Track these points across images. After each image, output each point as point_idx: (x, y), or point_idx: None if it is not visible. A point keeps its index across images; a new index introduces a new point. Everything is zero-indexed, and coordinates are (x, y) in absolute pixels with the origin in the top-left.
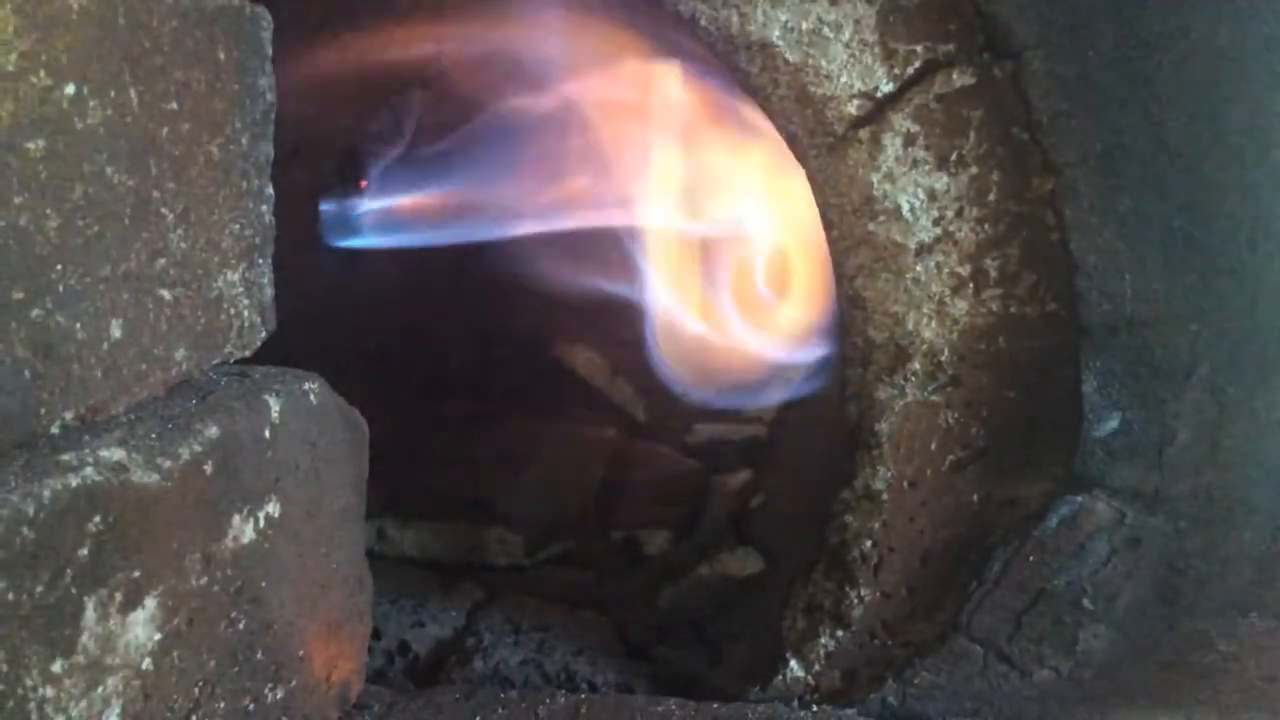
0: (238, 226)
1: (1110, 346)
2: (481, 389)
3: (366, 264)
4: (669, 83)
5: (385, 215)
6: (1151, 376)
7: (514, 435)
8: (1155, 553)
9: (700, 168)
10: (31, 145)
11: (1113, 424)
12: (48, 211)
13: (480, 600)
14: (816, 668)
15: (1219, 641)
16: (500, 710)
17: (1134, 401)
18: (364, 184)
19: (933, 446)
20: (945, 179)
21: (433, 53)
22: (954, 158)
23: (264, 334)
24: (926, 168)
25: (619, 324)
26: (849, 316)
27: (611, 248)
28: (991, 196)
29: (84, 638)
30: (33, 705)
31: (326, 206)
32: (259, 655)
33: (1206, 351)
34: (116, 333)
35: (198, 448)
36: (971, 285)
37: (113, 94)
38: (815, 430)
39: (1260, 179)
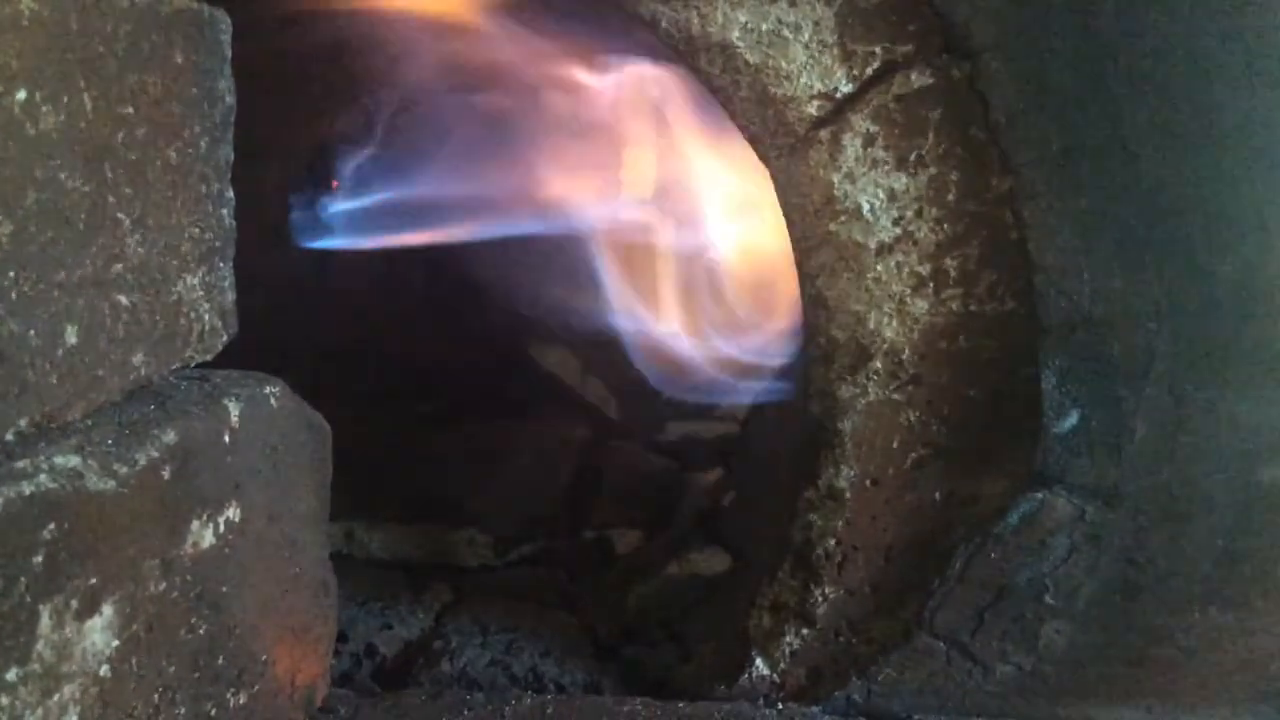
0: (197, 230)
1: (1069, 344)
2: (452, 388)
3: (336, 264)
4: (640, 82)
5: (356, 215)
6: (1110, 374)
7: (484, 435)
8: (1115, 548)
9: (673, 167)
10: None
11: (1072, 421)
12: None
13: (449, 602)
14: (782, 666)
15: (1179, 636)
16: (466, 712)
17: (1093, 399)
18: (335, 184)
19: (895, 445)
20: (905, 179)
21: (402, 53)
22: (913, 158)
23: (225, 338)
24: (886, 168)
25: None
26: (812, 316)
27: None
28: (950, 196)
29: (39, 645)
30: None
31: (295, 206)
32: (220, 660)
33: (1164, 349)
34: (72, 338)
35: (155, 453)
36: (932, 284)
37: (66, 99)
38: (784, 429)
39: (1216, 178)
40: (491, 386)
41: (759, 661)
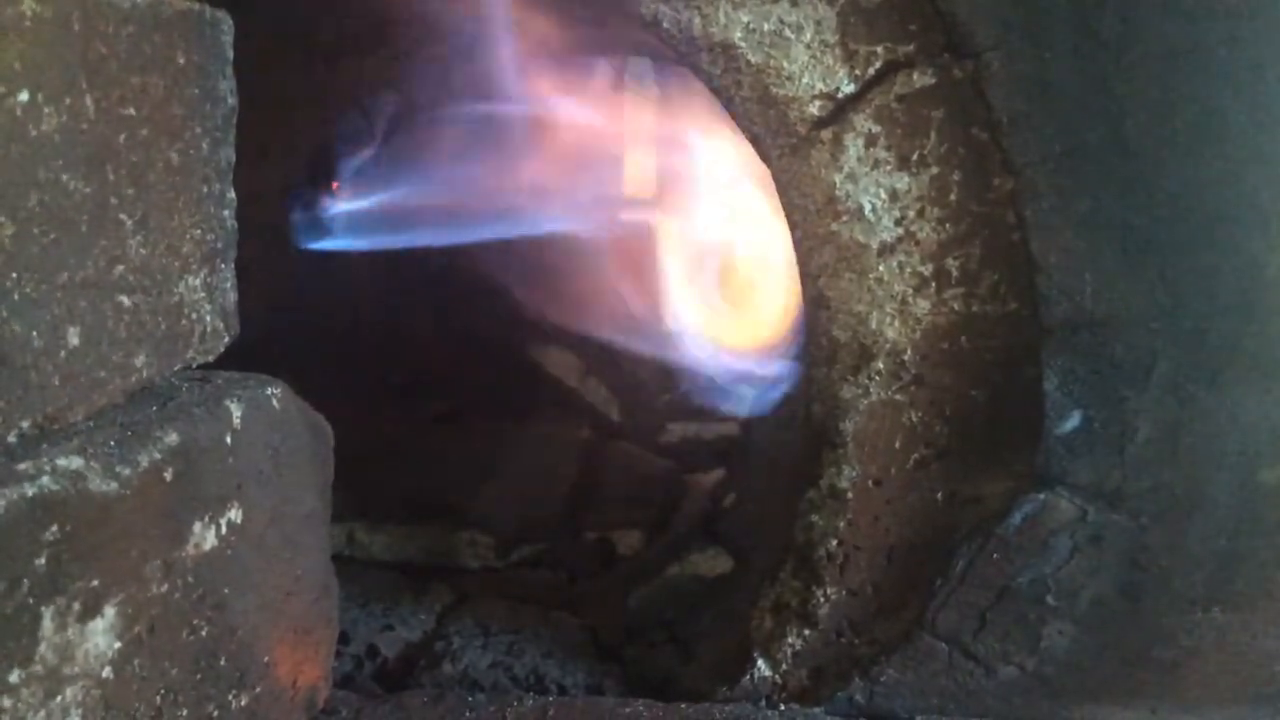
0: (199, 232)
1: (1071, 345)
2: (454, 390)
3: (338, 265)
4: (640, 81)
5: (357, 216)
6: (1112, 374)
7: (486, 436)
8: (1117, 549)
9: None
10: None
11: (1074, 422)
12: (1, 219)
13: (450, 603)
14: (784, 667)
15: (1181, 636)
16: (468, 714)
17: (1095, 399)
18: (335, 185)
19: (897, 445)
20: (907, 179)
21: (403, 53)
22: (915, 158)
23: (227, 339)
24: (888, 168)
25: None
26: (814, 316)
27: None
28: (952, 196)
29: (42, 647)
30: None
31: (297, 208)
32: (222, 662)
33: (1166, 349)
34: (74, 340)
35: (157, 455)
36: (933, 284)
37: (68, 101)
38: (786, 429)
39: (1219, 178)
40: (493, 388)
41: (761, 662)
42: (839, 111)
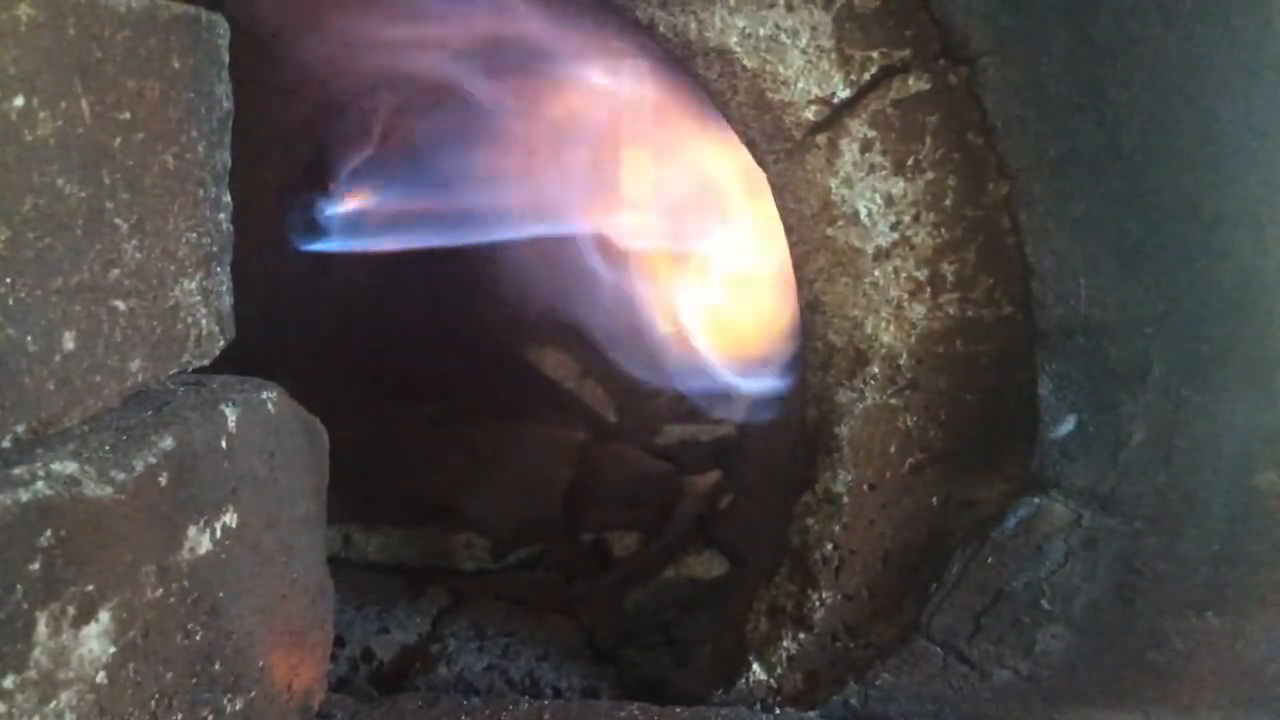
0: (194, 235)
1: (1065, 349)
2: (450, 392)
3: (334, 267)
4: (640, 84)
5: (353, 218)
6: (1106, 379)
7: (482, 438)
8: (1112, 553)
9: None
10: None
11: (1068, 426)
12: None
13: (446, 605)
14: (779, 670)
15: (1176, 640)
16: (463, 717)
17: (1089, 404)
18: (331, 186)
19: (892, 449)
20: (902, 184)
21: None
22: (910, 163)
23: (222, 342)
24: (883, 173)
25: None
26: (809, 321)
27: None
28: (947, 201)
29: (36, 652)
30: None
31: (293, 208)
32: (217, 666)
33: (1161, 353)
34: (69, 344)
35: (152, 459)
36: (929, 289)
37: (63, 105)
38: (782, 433)
39: (1213, 182)
40: (489, 390)
41: (756, 666)
42: (834, 116)
